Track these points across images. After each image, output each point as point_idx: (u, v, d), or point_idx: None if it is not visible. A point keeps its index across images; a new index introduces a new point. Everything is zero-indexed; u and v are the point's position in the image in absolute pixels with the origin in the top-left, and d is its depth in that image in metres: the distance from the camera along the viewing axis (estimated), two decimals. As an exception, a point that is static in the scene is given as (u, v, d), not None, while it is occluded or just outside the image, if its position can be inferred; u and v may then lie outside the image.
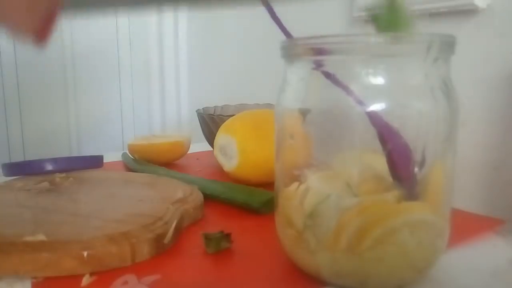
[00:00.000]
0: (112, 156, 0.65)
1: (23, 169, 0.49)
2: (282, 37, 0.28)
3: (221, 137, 0.48)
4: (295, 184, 0.27)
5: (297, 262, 0.28)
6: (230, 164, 0.47)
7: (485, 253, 0.31)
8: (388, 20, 0.24)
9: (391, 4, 0.23)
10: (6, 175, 0.49)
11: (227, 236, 0.32)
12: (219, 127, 0.50)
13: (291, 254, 0.28)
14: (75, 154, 1.07)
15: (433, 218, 0.26)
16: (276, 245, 0.29)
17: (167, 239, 0.32)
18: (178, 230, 0.34)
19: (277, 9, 0.29)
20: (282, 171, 0.29)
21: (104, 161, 0.54)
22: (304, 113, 0.26)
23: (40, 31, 0.20)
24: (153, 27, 1.12)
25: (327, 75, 0.24)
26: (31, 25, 0.20)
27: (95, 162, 0.52)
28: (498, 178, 0.46)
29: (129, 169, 0.57)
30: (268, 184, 0.40)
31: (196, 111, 0.65)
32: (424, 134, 0.25)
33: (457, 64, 0.27)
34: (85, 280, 0.27)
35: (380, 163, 0.25)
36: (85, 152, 1.08)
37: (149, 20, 1.11)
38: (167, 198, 0.39)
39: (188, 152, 0.63)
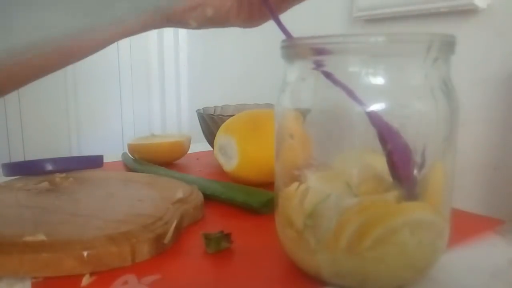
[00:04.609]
0: (112, 156, 0.65)
1: (23, 169, 0.49)
2: (282, 37, 0.28)
3: (221, 137, 0.48)
4: (295, 184, 0.27)
5: (297, 262, 0.28)
6: (230, 164, 0.47)
7: (485, 253, 0.31)
8: None
9: None
10: (6, 175, 0.49)
11: (227, 236, 0.32)
12: (219, 127, 0.50)
13: (291, 254, 0.28)
14: (75, 154, 1.07)
15: (433, 218, 0.26)
16: (276, 245, 0.29)
17: (167, 239, 0.32)
18: (178, 230, 0.34)
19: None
20: (282, 171, 0.29)
21: (104, 161, 0.54)
22: (304, 113, 0.26)
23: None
24: (153, 27, 1.12)
25: (327, 75, 0.24)
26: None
27: (95, 162, 0.52)
28: (498, 178, 0.46)
29: (129, 169, 0.57)
30: (268, 184, 0.40)
31: (196, 111, 0.65)
32: (424, 134, 0.25)
33: (457, 64, 0.27)
34: (85, 280, 0.27)
35: (380, 163, 0.25)
36: (85, 152, 1.08)
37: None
38: (167, 198, 0.39)
39: (188, 152, 0.63)
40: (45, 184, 0.45)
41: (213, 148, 0.51)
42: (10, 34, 0.12)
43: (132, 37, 0.25)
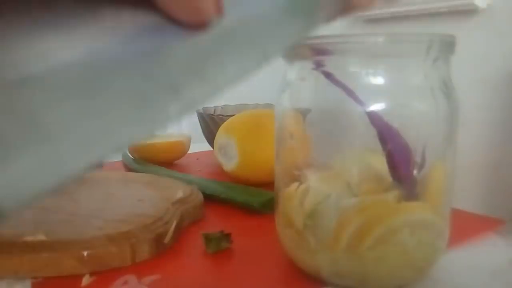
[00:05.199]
0: (112, 156, 0.65)
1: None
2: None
3: (221, 137, 0.48)
4: (295, 184, 0.27)
5: (297, 262, 0.28)
6: (230, 164, 0.47)
7: (485, 253, 0.31)
8: None
9: None
10: (6, 175, 0.49)
11: (227, 236, 0.32)
12: (219, 127, 0.50)
13: (291, 254, 0.28)
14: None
15: (433, 218, 0.26)
16: (276, 245, 0.29)
17: (167, 239, 0.32)
18: (178, 230, 0.34)
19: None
20: (282, 171, 0.29)
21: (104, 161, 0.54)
22: (304, 113, 0.26)
23: None
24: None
25: (327, 75, 0.24)
26: None
27: (95, 162, 0.52)
28: (498, 178, 0.46)
29: (129, 169, 0.57)
30: (268, 184, 0.40)
31: (196, 111, 0.65)
32: (424, 134, 0.25)
33: (457, 64, 0.27)
34: (85, 280, 0.27)
35: (380, 163, 0.25)
36: (85, 152, 1.08)
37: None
38: (167, 198, 0.39)
39: (188, 152, 0.63)
40: (45, 184, 0.45)
41: (213, 148, 0.51)
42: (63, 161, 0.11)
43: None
